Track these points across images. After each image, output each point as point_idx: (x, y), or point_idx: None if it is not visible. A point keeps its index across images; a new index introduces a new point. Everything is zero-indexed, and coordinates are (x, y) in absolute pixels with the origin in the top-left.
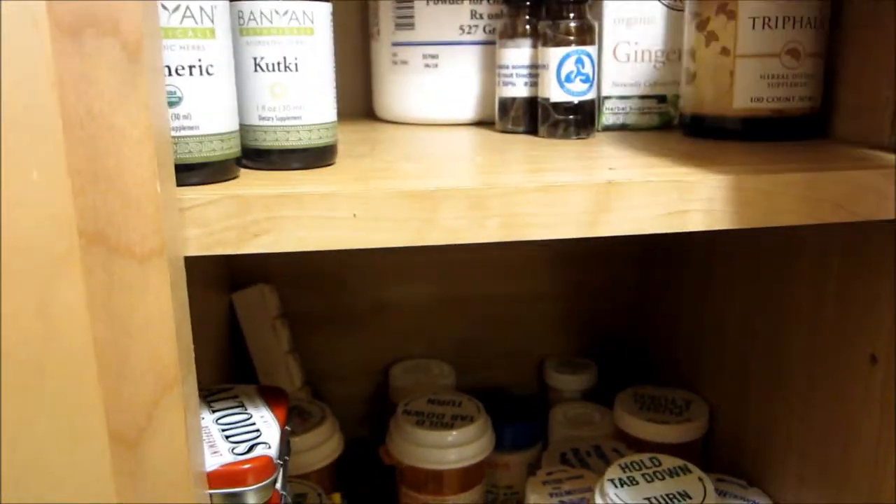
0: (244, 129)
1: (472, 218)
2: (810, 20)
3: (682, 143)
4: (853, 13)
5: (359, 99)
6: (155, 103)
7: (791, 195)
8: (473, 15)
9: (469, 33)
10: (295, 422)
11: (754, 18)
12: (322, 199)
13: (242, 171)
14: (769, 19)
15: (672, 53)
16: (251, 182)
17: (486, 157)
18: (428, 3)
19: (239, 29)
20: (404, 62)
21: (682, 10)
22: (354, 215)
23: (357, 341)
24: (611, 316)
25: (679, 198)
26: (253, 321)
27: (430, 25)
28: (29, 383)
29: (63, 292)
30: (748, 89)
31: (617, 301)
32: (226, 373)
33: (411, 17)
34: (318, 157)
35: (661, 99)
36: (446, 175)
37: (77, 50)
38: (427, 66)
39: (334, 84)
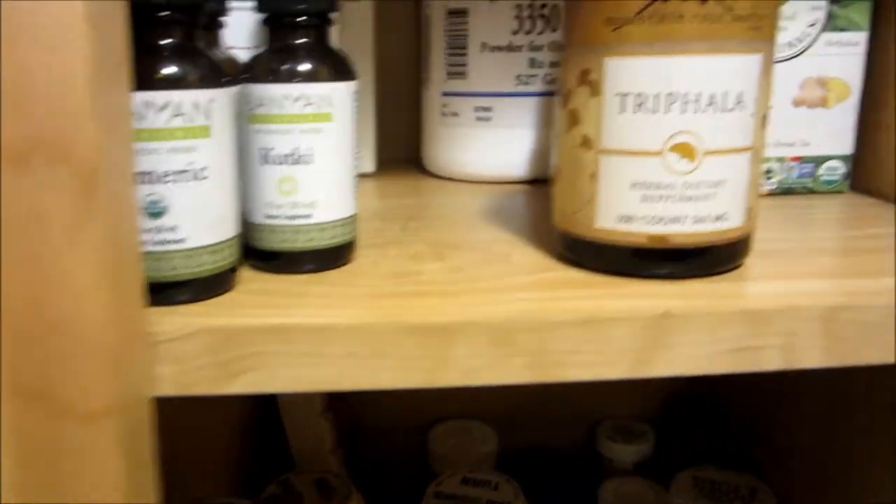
0: (249, 226)
1: (493, 356)
2: (718, 98)
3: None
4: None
5: (408, 144)
6: (115, 235)
7: None
8: (532, 63)
9: (526, 83)
10: (316, 498)
11: (623, 96)
12: (314, 334)
13: (246, 273)
14: (644, 97)
15: None
16: (243, 300)
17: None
18: (483, 51)
19: (246, 115)
20: (455, 114)
21: None
22: (352, 353)
23: (396, 397)
24: (675, 377)
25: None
26: None
27: (485, 75)
28: None
29: None
30: (613, 203)
31: None
32: (253, 435)
33: (464, 65)
34: (331, 258)
35: None
36: (474, 289)
37: (22, 181)
38: (479, 119)
39: (354, 173)
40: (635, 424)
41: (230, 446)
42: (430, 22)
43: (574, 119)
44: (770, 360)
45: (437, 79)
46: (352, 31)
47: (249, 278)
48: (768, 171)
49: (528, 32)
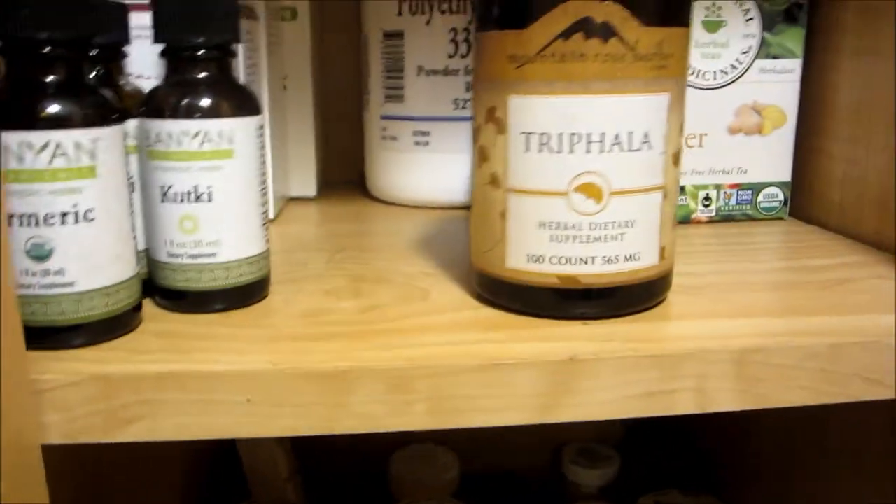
0: (154, 264)
1: (391, 403)
2: (624, 138)
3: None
4: None
5: (357, 167)
6: None
7: None
8: (470, 87)
9: (464, 108)
10: None
11: (528, 135)
12: (207, 381)
13: (153, 311)
14: (548, 137)
15: (692, 138)
16: (142, 342)
17: (455, 282)
18: (419, 74)
19: (146, 151)
20: (394, 138)
21: (699, 88)
22: (248, 400)
23: None
24: None
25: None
26: None
27: (422, 99)
28: None
29: None
30: (523, 242)
31: None
32: (204, 462)
33: (401, 88)
34: (239, 297)
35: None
36: (382, 330)
37: None
38: (417, 143)
39: (261, 209)
40: (601, 448)
41: (182, 472)
42: (368, 44)
43: (483, 156)
44: (682, 404)
45: (375, 102)
46: (290, 53)
47: (156, 317)
48: (706, 199)
49: (465, 56)
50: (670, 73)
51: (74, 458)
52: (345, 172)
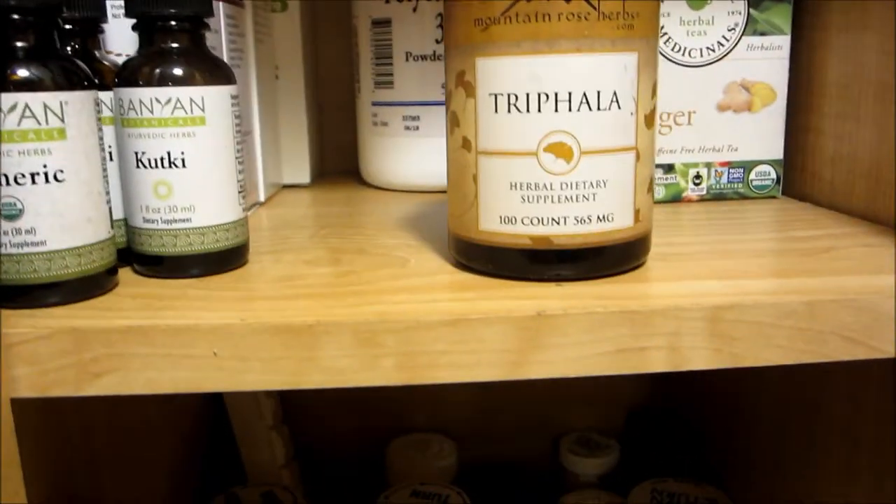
0: (130, 230)
1: (360, 357)
2: (592, 97)
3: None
4: None
5: (352, 155)
6: None
7: None
8: None
9: None
10: None
11: (496, 96)
12: (175, 335)
13: (130, 277)
14: (516, 97)
15: (680, 115)
16: (116, 302)
17: (435, 253)
18: (408, 60)
19: (120, 119)
20: (384, 123)
21: (685, 65)
22: (215, 354)
23: (356, 410)
24: (640, 387)
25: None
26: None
27: (411, 84)
28: None
29: None
30: (495, 204)
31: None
32: (201, 446)
33: (390, 74)
34: (217, 262)
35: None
36: (354, 292)
37: None
38: (407, 128)
39: (237, 177)
40: (599, 437)
41: (175, 454)
42: (358, 32)
43: (455, 121)
44: (654, 362)
45: (366, 88)
46: (281, 43)
47: (133, 282)
48: (697, 177)
49: None
50: (637, 33)
51: (64, 444)
52: (345, 162)
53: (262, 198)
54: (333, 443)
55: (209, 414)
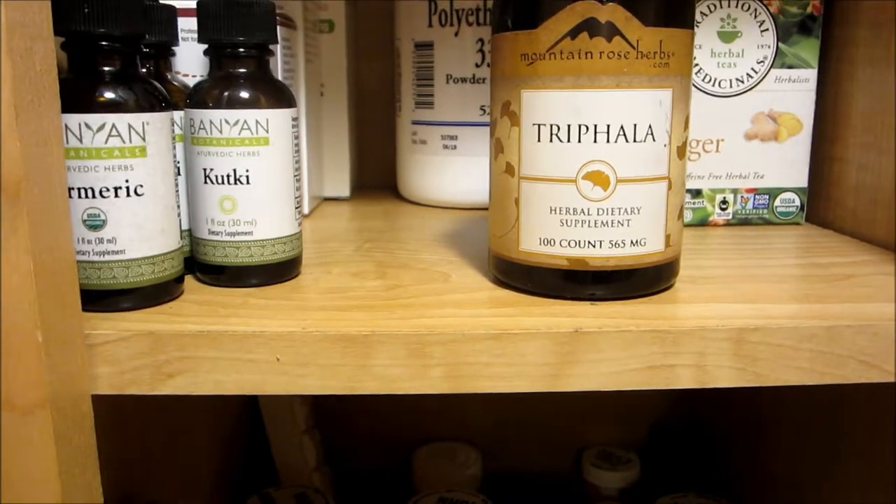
0: (196, 241)
1: (411, 367)
2: (629, 130)
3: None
4: None
5: (391, 171)
6: (43, 244)
7: None
8: None
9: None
10: None
11: (539, 126)
12: (241, 341)
13: (194, 286)
14: (558, 128)
15: (709, 143)
16: (184, 308)
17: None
18: (448, 82)
19: (191, 138)
20: (423, 142)
21: (715, 95)
22: (278, 359)
23: (384, 416)
24: (661, 403)
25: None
26: (270, 397)
27: (450, 105)
28: None
29: None
30: (535, 227)
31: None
32: (238, 449)
33: (431, 95)
34: (274, 273)
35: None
36: (403, 305)
37: None
38: (446, 147)
39: (294, 194)
40: (621, 451)
41: (214, 457)
42: (401, 53)
43: (499, 147)
44: (682, 379)
45: (407, 108)
46: (328, 63)
47: (197, 290)
48: (723, 202)
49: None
50: (672, 70)
51: (123, 445)
52: (382, 177)
53: (306, 210)
54: (362, 449)
55: (245, 418)
